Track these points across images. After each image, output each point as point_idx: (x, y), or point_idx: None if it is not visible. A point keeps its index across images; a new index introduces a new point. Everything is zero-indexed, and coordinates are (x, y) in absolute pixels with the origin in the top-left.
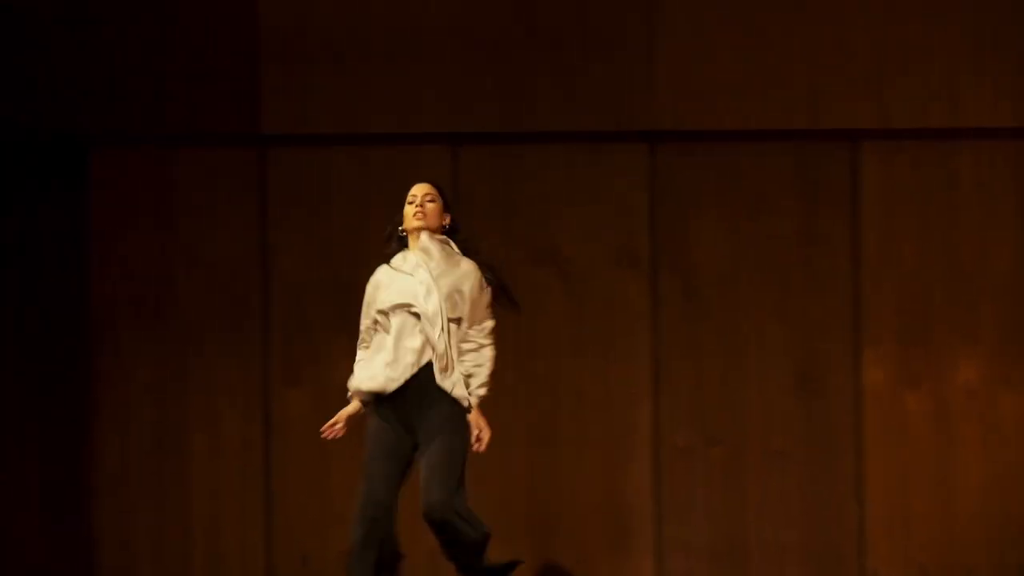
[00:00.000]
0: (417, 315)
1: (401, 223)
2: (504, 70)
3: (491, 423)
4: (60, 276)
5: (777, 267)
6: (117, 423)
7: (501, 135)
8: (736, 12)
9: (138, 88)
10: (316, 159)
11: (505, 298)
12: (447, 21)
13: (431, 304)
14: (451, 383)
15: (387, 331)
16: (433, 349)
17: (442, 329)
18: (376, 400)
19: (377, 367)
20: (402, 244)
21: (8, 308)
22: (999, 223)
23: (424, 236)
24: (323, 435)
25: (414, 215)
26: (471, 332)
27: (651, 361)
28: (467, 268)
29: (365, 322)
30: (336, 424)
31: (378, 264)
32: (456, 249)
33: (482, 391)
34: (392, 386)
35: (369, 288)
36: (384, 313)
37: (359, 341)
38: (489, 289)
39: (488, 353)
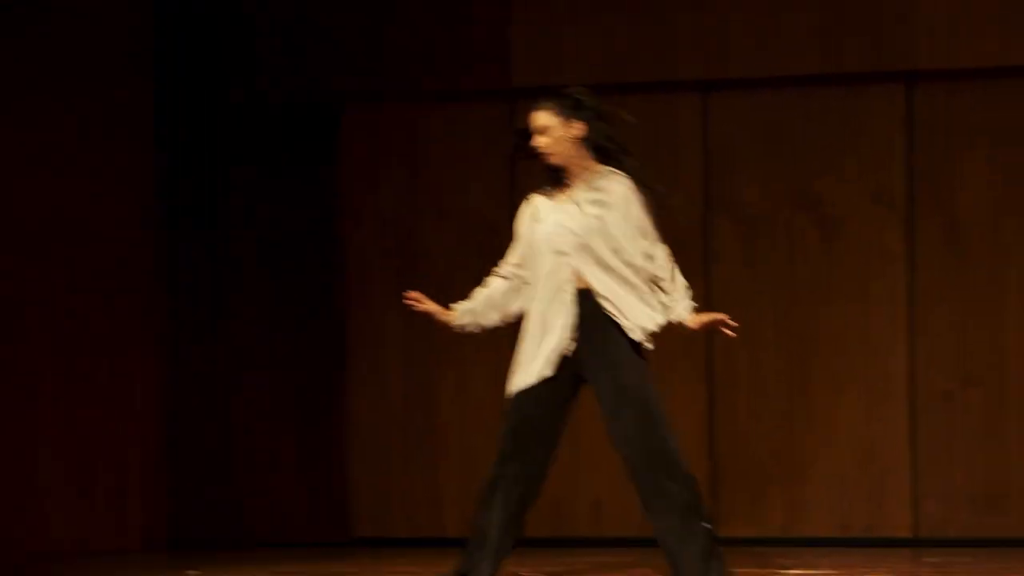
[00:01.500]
0: None
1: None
2: (757, 10)
3: (749, 368)
4: (312, 231)
5: None
6: (370, 376)
7: (755, 80)
8: None
9: (389, 47)
10: None
11: None
12: None
13: None
14: None
15: None
16: None
17: None
18: None
19: None
20: None
21: (260, 263)
22: None
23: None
24: None
25: None
26: None
27: (907, 305)
28: None
29: None
30: None
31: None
32: None
33: None
34: None
35: None
36: None
37: None
38: None
39: None
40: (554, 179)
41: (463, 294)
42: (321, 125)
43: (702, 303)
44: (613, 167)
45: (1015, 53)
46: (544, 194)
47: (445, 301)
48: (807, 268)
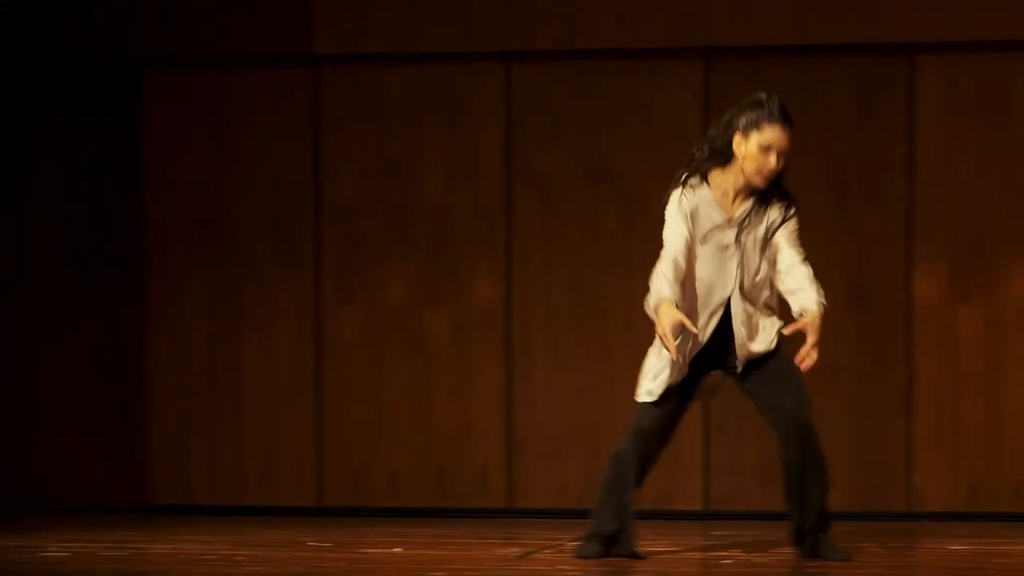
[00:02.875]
0: None
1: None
2: None
3: (544, 339)
4: (115, 197)
5: (833, 182)
6: (171, 344)
7: (558, 52)
8: None
9: (191, 10)
10: (369, 79)
11: None
12: None
13: None
14: None
15: None
16: None
17: None
18: None
19: None
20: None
21: (64, 229)
22: None
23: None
24: None
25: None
26: None
27: None
28: None
29: None
30: None
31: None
32: None
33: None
34: None
35: None
36: None
37: None
38: None
39: None
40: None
41: (268, 262)
42: (123, 89)
43: (502, 274)
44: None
45: (809, 33)
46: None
47: (244, 272)
48: (605, 240)
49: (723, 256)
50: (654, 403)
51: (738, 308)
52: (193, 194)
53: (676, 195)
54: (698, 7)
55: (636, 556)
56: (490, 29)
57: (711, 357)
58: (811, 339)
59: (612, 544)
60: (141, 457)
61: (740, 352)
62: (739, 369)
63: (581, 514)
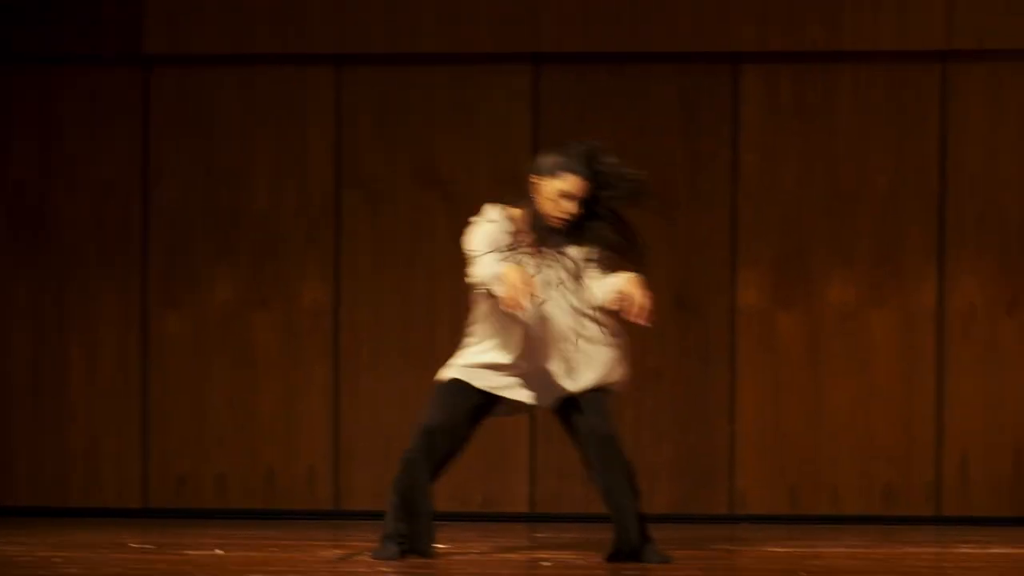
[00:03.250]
0: None
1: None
2: None
3: (372, 342)
4: None
5: (658, 188)
6: None
7: (386, 55)
8: None
9: (21, 7)
10: (199, 80)
11: None
12: None
13: None
14: None
15: None
16: None
17: None
18: None
19: None
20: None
21: None
22: (876, 145)
23: None
24: None
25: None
26: None
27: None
28: None
29: None
30: None
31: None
32: None
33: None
34: None
35: None
36: None
37: None
38: None
39: None
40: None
41: (94, 264)
42: None
43: (331, 279)
44: None
45: (637, 41)
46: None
47: (70, 274)
48: (433, 244)
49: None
50: (453, 393)
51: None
52: (19, 194)
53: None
54: (526, 13)
55: (428, 556)
56: (322, 31)
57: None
58: (637, 296)
59: (408, 544)
60: None
61: (558, 386)
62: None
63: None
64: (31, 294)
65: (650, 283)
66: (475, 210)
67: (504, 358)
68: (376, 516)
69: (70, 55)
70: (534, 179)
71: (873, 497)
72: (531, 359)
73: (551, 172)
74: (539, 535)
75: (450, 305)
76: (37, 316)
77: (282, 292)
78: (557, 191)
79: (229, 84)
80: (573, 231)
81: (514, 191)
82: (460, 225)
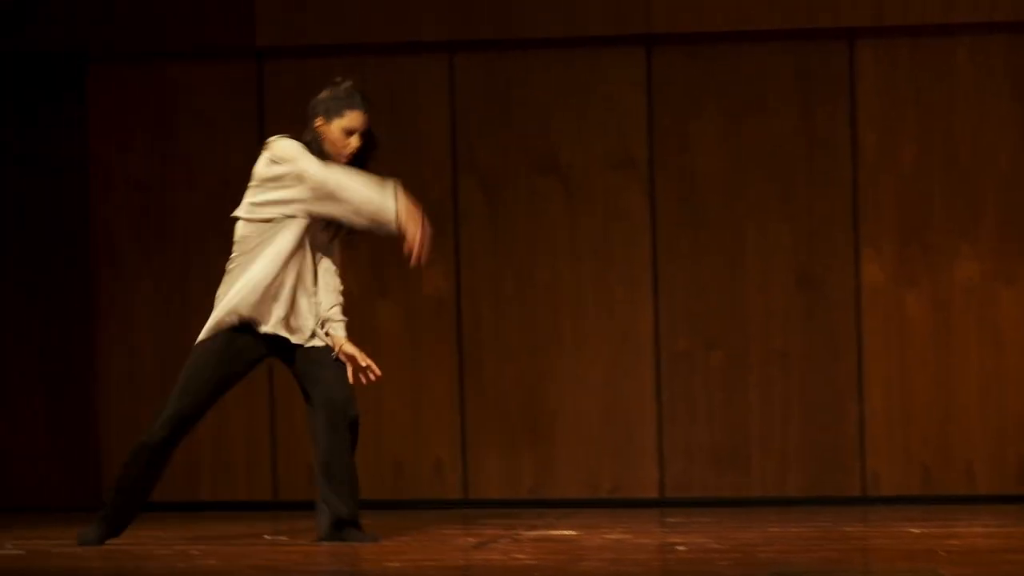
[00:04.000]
0: None
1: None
2: None
3: (494, 330)
4: (61, 191)
5: (777, 168)
6: (121, 337)
7: (498, 42)
8: None
9: (133, 4)
10: (312, 71)
11: None
12: None
13: None
14: None
15: None
16: None
17: None
18: None
19: None
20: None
21: (10, 223)
22: (997, 118)
23: None
24: None
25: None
26: None
27: (650, 266)
28: None
29: None
30: None
31: None
32: None
33: None
34: None
35: None
36: None
37: None
38: None
39: None
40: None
41: (213, 256)
42: (67, 81)
43: (450, 266)
44: None
45: (751, 19)
46: None
47: (193, 264)
48: (550, 230)
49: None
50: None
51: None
52: (140, 190)
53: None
54: None
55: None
56: (434, 19)
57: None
58: (361, 360)
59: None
60: (94, 454)
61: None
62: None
63: (534, 504)
64: (155, 289)
65: (771, 263)
66: (592, 195)
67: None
68: (504, 504)
69: (184, 51)
70: (319, 123)
71: (1007, 475)
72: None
73: (337, 111)
74: (670, 520)
75: (572, 290)
76: (161, 310)
77: (403, 281)
78: (343, 129)
79: (342, 74)
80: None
81: (631, 174)
82: (577, 210)
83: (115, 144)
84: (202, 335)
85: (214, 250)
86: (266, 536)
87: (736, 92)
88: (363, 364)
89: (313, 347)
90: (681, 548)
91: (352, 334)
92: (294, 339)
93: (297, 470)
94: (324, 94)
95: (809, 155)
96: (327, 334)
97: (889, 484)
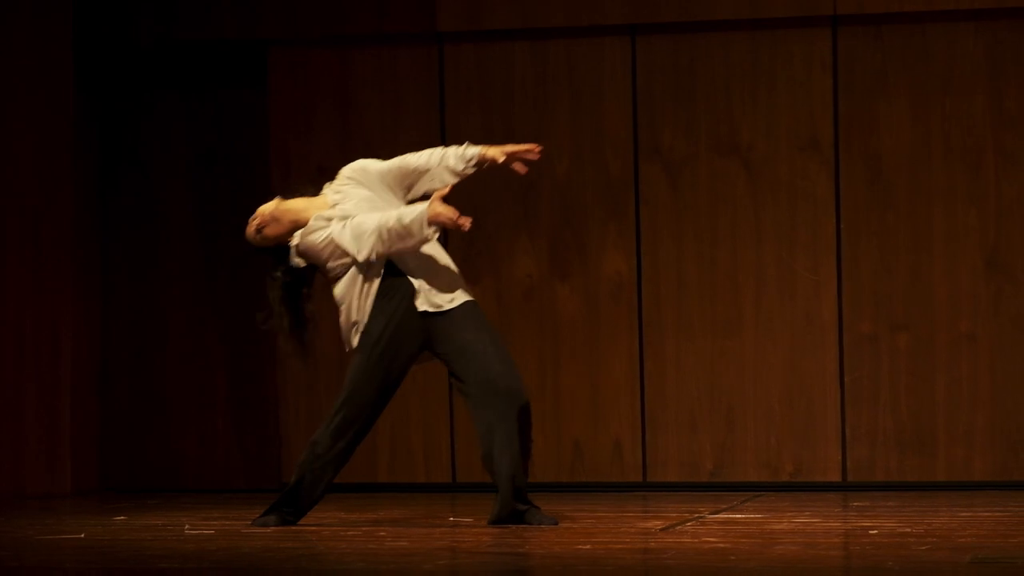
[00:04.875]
0: None
1: None
2: None
3: (675, 313)
4: (240, 175)
5: (965, 149)
6: None
7: (680, 24)
8: None
9: None
10: (494, 55)
11: None
12: None
13: None
14: None
15: None
16: None
17: None
18: None
19: None
20: None
21: (189, 208)
22: None
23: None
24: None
25: None
26: None
27: (834, 248)
28: None
29: None
30: None
31: None
32: None
33: None
34: None
35: None
36: None
37: None
38: None
39: None
40: None
41: None
42: (247, 69)
43: (631, 248)
44: None
45: None
46: None
47: None
48: (733, 212)
49: None
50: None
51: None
52: (320, 171)
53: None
54: None
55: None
56: (615, 2)
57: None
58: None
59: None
60: (276, 435)
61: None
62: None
63: (714, 487)
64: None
65: (959, 246)
66: (775, 177)
67: None
68: (683, 487)
69: (365, 35)
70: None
71: None
72: None
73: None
74: (856, 504)
75: (753, 273)
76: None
77: (583, 264)
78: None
79: (523, 59)
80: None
81: (815, 156)
82: (760, 193)
83: (296, 131)
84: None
85: None
86: (450, 518)
87: (923, 72)
88: (524, 149)
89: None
90: (874, 532)
91: (533, 317)
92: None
93: (473, 453)
94: None
95: (997, 136)
96: (471, 161)
97: None
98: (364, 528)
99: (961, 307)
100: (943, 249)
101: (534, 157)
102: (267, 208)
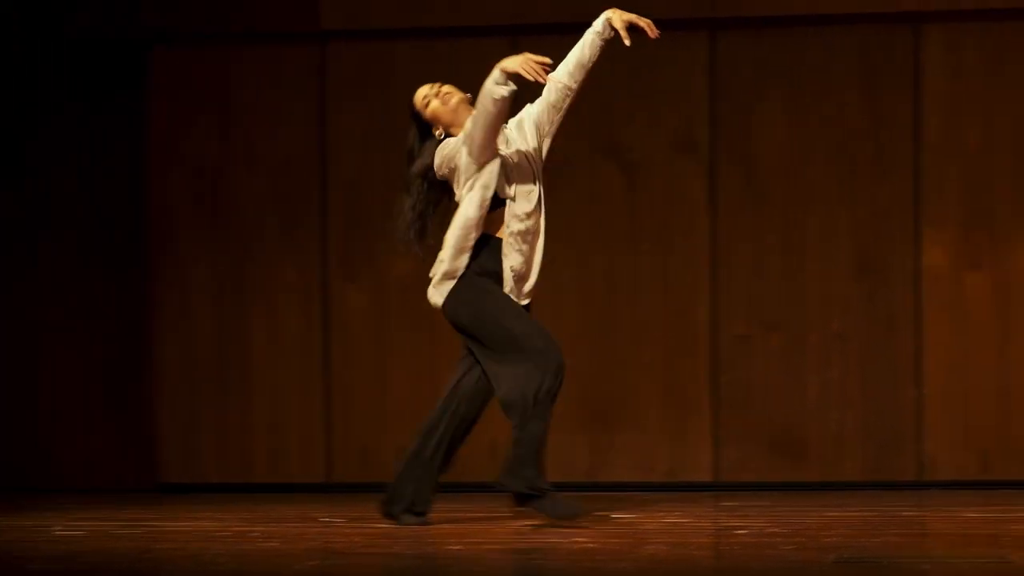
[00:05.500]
0: None
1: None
2: None
3: (552, 312)
4: (119, 175)
5: (839, 152)
6: (177, 322)
7: (561, 26)
8: None
9: None
10: (376, 54)
11: None
12: None
13: None
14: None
15: None
16: None
17: None
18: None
19: None
20: None
21: (67, 207)
22: None
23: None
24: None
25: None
26: None
27: (709, 250)
28: None
29: None
30: None
31: None
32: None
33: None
34: None
35: None
36: None
37: None
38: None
39: None
40: None
41: (275, 239)
42: (129, 66)
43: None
44: None
45: (818, 3)
46: None
47: (250, 250)
48: (610, 214)
49: None
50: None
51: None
52: (199, 172)
53: None
54: None
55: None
56: (494, 4)
57: None
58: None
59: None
60: (150, 436)
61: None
62: None
63: (589, 487)
64: (213, 271)
65: (831, 247)
66: (651, 179)
67: None
68: (558, 488)
69: (247, 34)
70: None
71: None
72: None
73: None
74: (726, 504)
75: (629, 274)
76: (219, 293)
77: (371, 269)
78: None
79: (405, 58)
80: None
81: (691, 158)
82: (636, 194)
83: (176, 131)
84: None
85: (273, 235)
86: (323, 518)
87: (799, 76)
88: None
89: None
90: (742, 532)
91: (411, 316)
92: None
93: (350, 453)
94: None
95: (872, 139)
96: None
97: (946, 468)
98: (238, 528)
99: (833, 308)
100: (816, 251)
101: (653, 34)
102: (456, 94)
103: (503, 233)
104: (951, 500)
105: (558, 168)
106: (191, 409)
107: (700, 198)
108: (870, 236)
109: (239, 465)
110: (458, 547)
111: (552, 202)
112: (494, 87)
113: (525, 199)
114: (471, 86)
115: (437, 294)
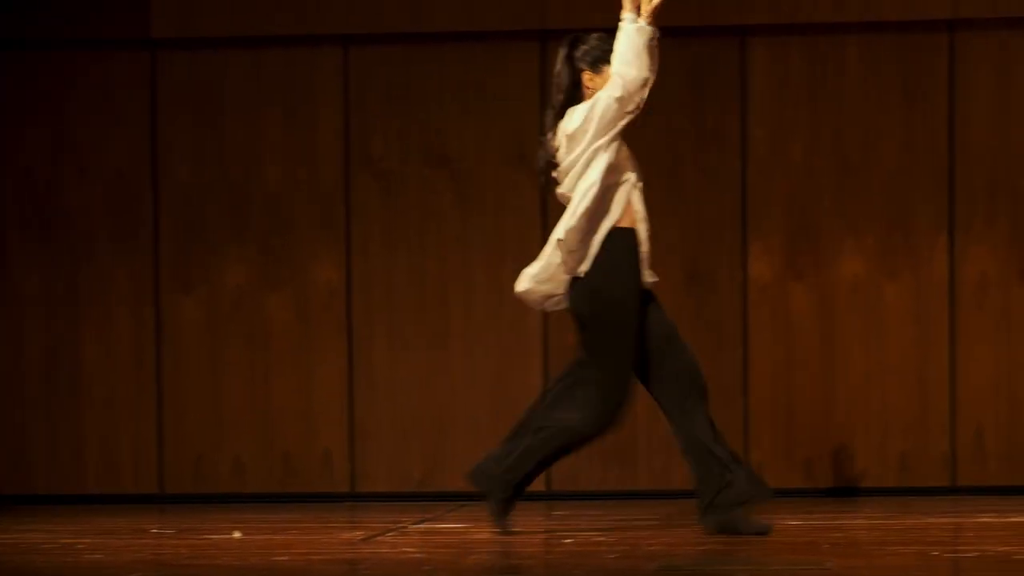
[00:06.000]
0: None
1: None
2: None
3: (386, 323)
4: None
5: (667, 164)
6: (7, 334)
7: (395, 35)
8: None
9: None
10: (208, 63)
11: None
12: None
13: None
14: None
15: None
16: None
17: None
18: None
19: None
20: None
21: None
22: (885, 116)
23: None
24: None
25: None
26: None
27: None
28: None
29: None
30: None
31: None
32: None
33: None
34: None
35: None
36: None
37: None
38: None
39: None
40: None
41: (106, 249)
42: None
43: (342, 257)
44: None
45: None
46: None
47: (82, 261)
48: (442, 224)
49: None
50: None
51: None
52: (29, 180)
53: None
54: None
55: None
56: (330, 12)
57: None
58: None
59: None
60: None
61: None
62: None
63: (423, 497)
64: (43, 281)
65: (660, 260)
66: (483, 189)
67: None
68: (392, 498)
69: (78, 41)
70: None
71: (888, 469)
72: None
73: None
74: (557, 513)
75: (462, 284)
76: (50, 303)
77: (294, 273)
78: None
79: (236, 67)
80: None
81: (522, 170)
82: (468, 205)
83: (6, 136)
84: None
85: (104, 246)
86: (153, 529)
87: None
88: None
89: None
90: (569, 541)
91: (244, 327)
92: None
93: (183, 464)
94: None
95: (699, 151)
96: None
97: (771, 477)
98: (66, 540)
99: None
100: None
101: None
102: None
103: None
104: (775, 508)
105: (389, 177)
106: (20, 419)
107: (532, 208)
108: (698, 249)
109: (72, 477)
110: (285, 558)
111: (387, 211)
112: (629, 21)
113: None
114: (300, 94)
115: None
